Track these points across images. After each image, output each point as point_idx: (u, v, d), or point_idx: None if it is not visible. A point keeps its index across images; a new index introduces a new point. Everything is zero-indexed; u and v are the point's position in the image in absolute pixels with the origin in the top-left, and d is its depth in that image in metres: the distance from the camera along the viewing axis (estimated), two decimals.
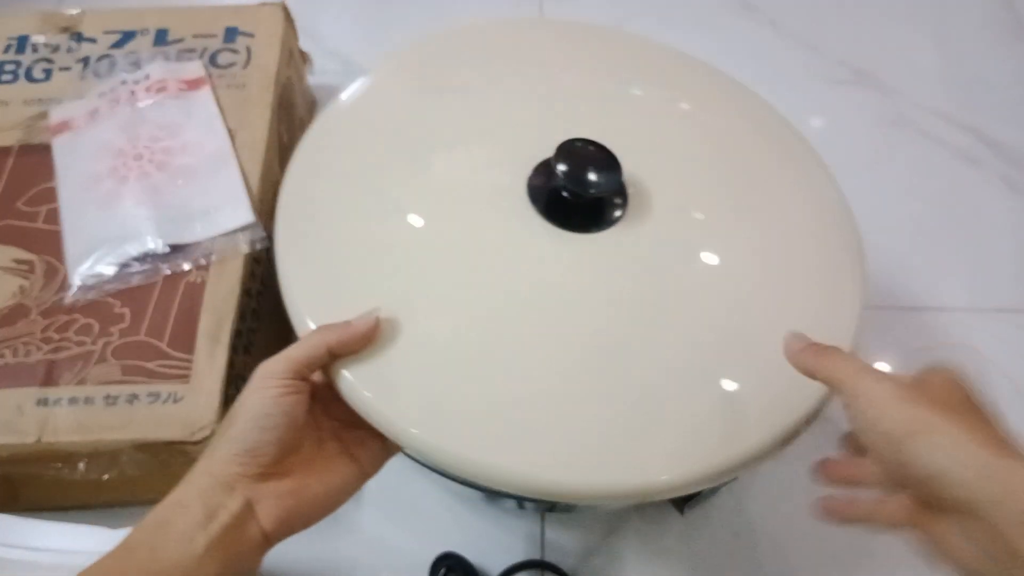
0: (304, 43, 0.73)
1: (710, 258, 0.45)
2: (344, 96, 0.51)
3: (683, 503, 0.45)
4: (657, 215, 0.45)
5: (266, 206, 0.57)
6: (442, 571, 0.51)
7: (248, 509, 0.35)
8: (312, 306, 0.41)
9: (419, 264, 0.43)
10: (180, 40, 0.65)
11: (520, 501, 0.51)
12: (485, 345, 0.40)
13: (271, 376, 0.36)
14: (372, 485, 0.57)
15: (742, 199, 0.47)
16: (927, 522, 0.32)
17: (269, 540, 0.35)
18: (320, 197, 0.46)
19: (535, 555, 0.53)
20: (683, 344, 0.41)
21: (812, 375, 0.36)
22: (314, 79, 0.78)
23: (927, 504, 0.32)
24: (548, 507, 0.53)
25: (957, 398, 0.32)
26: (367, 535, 0.54)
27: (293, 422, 0.36)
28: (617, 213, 0.45)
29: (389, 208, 0.45)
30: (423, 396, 0.39)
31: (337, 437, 0.39)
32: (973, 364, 0.61)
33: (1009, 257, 0.69)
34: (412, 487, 0.56)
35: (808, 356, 0.36)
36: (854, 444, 0.37)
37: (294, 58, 0.70)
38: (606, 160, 0.44)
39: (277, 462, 0.36)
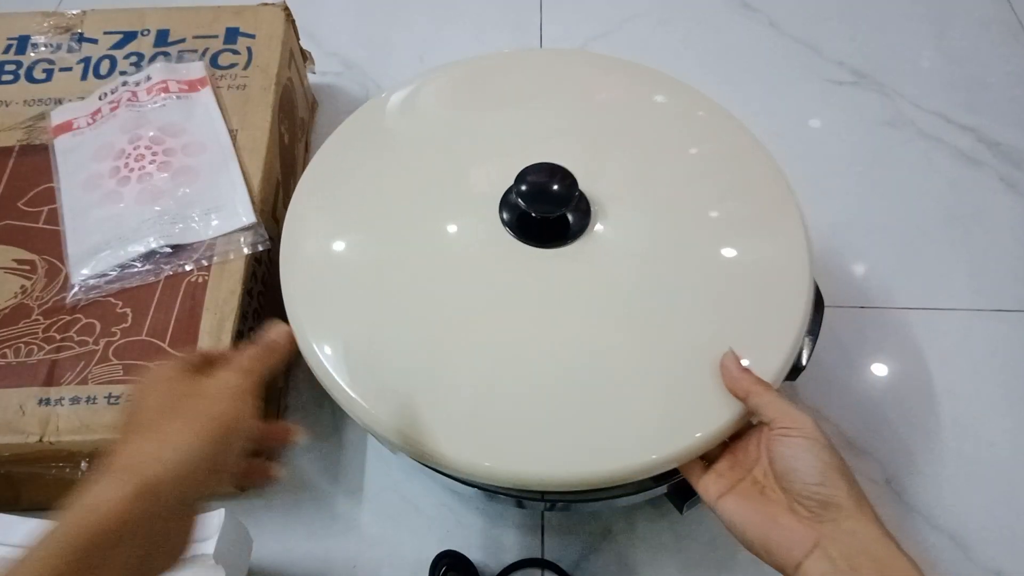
0: (304, 43, 0.73)
1: (668, 260, 0.48)
2: (332, 140, 0.54)
3: (682, 502, 0.45)
4: (622, 225, 0.49)
5: (267, 206, 0.57)
6: (442, 569, 0.51)
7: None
8: (318, 334, 0.45)
9: (406, 292, 0.47)
10: (181, 41, 0.65)
11: (519, 500, 0.51)
12: (464, 357, 0.44)
13: (252, 395, 0.34)
14: (372, 484, 0.57)
15: (701, 208, 0.51)
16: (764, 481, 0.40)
17: None
18: (321, 234, 0.49)
19: (535, 553, 0.54)
20: (649, 342, 0.45)
21: (744, 401, 0.41)
22: (314, 79, 0.78)
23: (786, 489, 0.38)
24: (548, 506, 0.53)
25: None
26: (367, 534, 0.54)
27: None
28: (583, 226, 0.48)
29: (379, 243, 0.49)
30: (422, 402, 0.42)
31: None
32: (972, 364, 0.62)
33: (1009, 257, 0.69)
34: (412, 486, 0.56)
35: (743, 385, 0.41)
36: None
37: (295, 58, 0.70)
38: (562, 179, 0.48)
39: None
